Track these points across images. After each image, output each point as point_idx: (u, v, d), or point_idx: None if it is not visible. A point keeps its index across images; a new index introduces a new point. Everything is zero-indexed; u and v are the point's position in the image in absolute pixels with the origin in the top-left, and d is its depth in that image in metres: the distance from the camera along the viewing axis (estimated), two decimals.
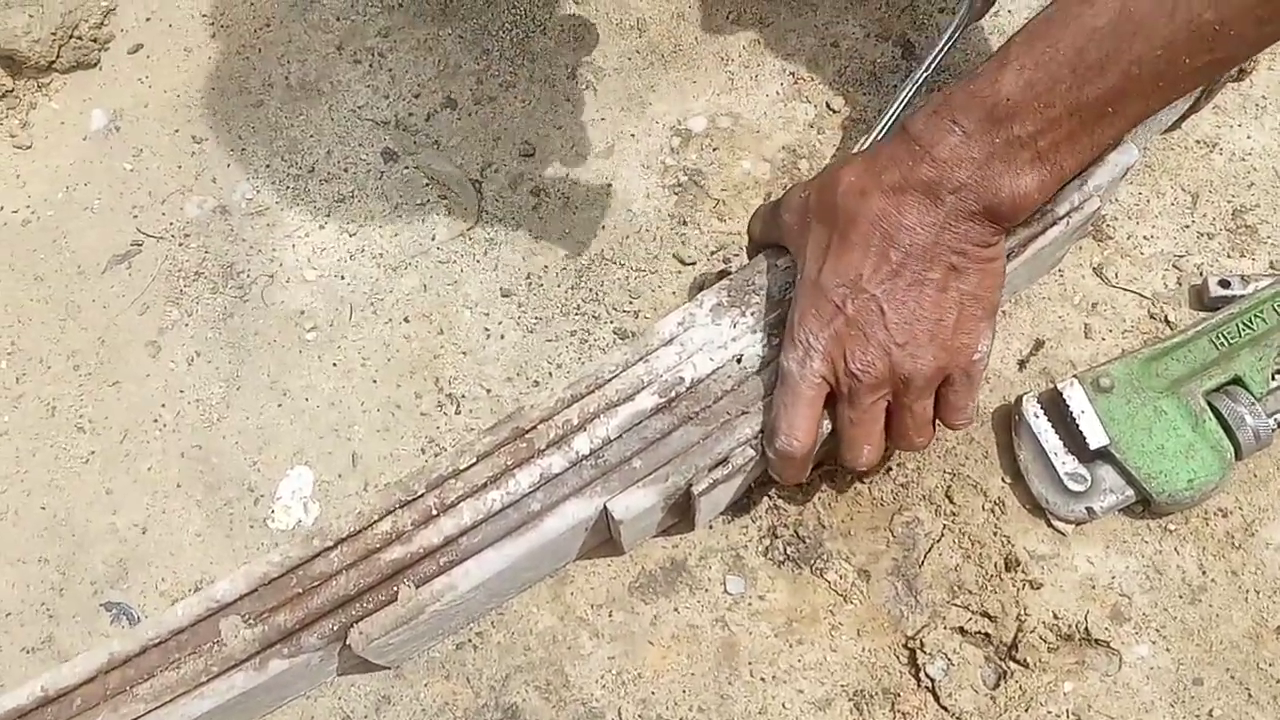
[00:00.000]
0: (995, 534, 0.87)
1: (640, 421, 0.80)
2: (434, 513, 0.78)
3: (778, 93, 1.04)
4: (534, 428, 0.80)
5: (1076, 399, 0.85)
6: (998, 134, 0.70)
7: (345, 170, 1.03)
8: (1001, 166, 0.71)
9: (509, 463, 0.79)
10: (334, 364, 0.96)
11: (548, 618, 0.86)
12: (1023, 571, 0.85)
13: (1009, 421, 0.89)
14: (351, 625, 0.76)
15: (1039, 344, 0.93)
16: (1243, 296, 0.89)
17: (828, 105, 1.03)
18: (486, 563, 0.77)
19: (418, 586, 0.76)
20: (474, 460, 0.79)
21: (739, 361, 0.81)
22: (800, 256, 0.79)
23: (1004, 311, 0.94)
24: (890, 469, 0.89)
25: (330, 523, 0.78)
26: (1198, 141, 0.99)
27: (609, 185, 1.01)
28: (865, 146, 0.87)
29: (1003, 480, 0.88)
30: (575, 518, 0.78)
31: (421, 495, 0.79)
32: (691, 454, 0.79)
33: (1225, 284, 0.90)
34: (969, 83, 0.72)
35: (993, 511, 0.87)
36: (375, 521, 0.78)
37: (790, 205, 0.81)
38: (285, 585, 0.77)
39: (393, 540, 0.78)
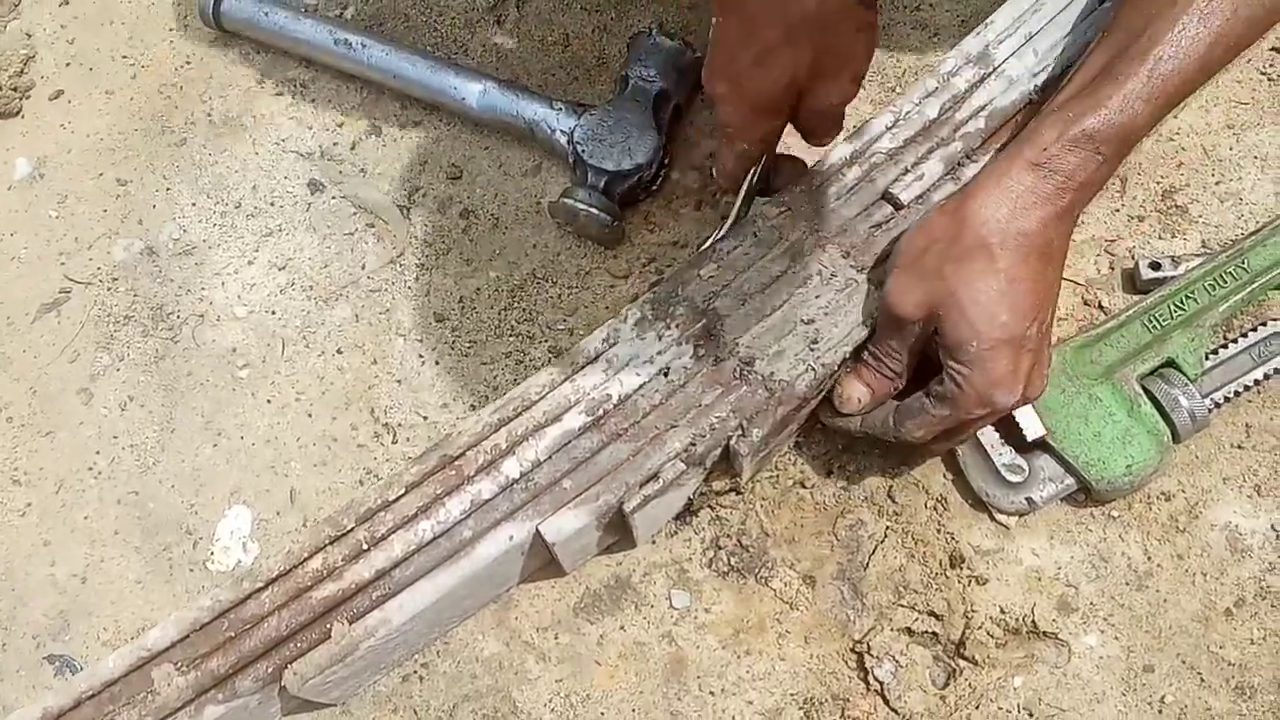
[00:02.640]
0: (939, 531, 0.86)
1: (569, 441, 0.79)
2: (364, 547, 0.77)
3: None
4: (462, 454, 0.79)
5: None
6: (1126, 155, 0.76)
7: (272, 204, 1.02)
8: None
9: (438, 491, 0.78)
10: (268, 400, 0.95)
11: (493, 644, 0.85)
12: (968, 568, 0.84)
13: None
14: (286, 666, 0.75)
15: None
16: (1174, 277, 0.88)
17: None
18: (420, 594, 0.76)
19: (351, 623, 0.75)
20: (403, 491, 0.79)
21: (666, 375, 0.81)
22: (953, 311, 0.75)
23: None
24: (831, 472, 0.88)
25: (260, 563, 0.78)
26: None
27: (538, 203, 1.00)
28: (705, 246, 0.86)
29: (944, 477, 0.88)
30: (508, 543, 0.77)
31: (351, 530, 0.78)
32: (621, 471, 0.78)
33: (1156, 266, 0.90)
34: (1099, 109, 0.73)
35: (935, 509, 0.87)
36: (305, 559, 0.77)
37: (912, 265, 0.77)
38: (217, 630, 0.76)
39: (324, 577, 0.77)
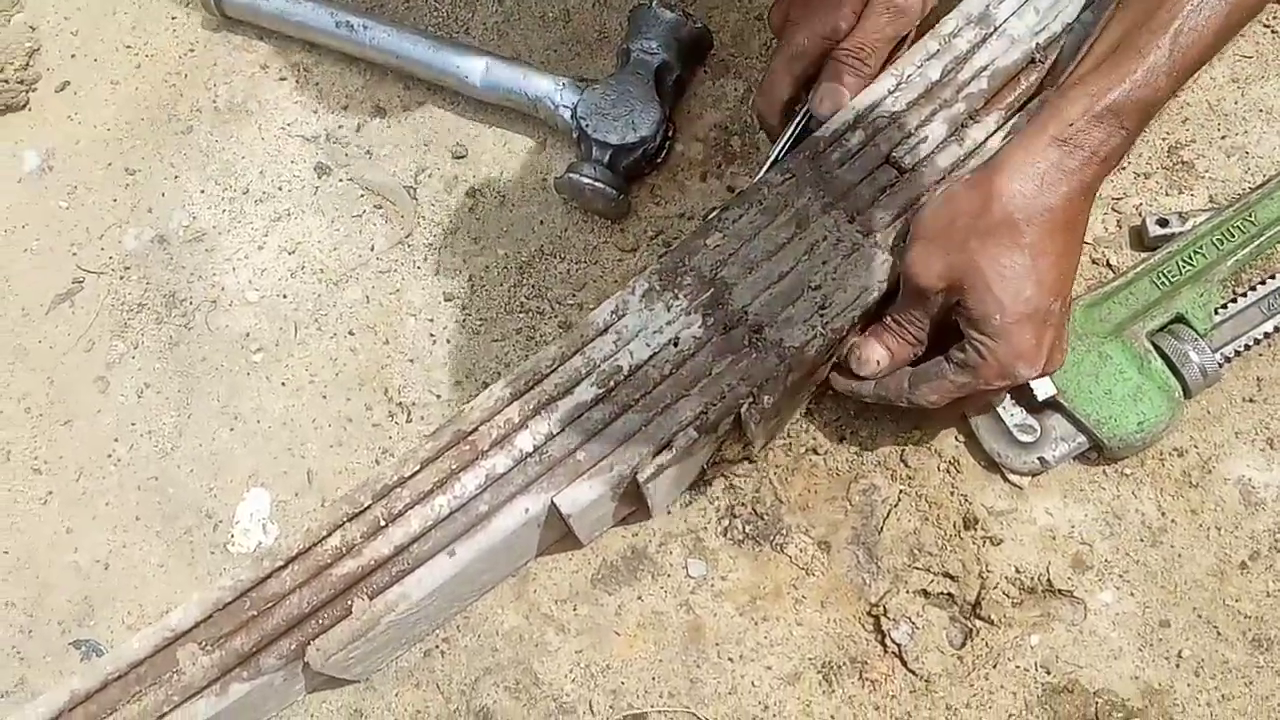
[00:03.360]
0: (952, 494, 0.86)
1: (581, 414, 0.80)
2: (382, 523, 0.78)
3: (706, 71, 1.03)
4: (476, 429, 0.80)
5: None
6: (1146, 126, 0.76)
7: (280, 189, 1.03)
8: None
9: (454, 466, 0.79)
10: (283, 383, 0.95)
11: (513, 617, 0.86)
12: (982, 529, 0.85)
13: None
14: (308, 643, 0.76)
15: None
16: (1181, 234, 0.88)
17: (757, 80, 1.02)
18: (438, 569, 0.77)
19: (371, 599, 0.76)
20: (418, 467, 0.79)
21: (675, 345, 0.81)
22: (978, 284, 0.75)
23: None
24: (843, 438, 0.89)
25: (280, 543, 0.78)
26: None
27: (544, 180, 1.00)
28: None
29: (956, 439, 0.88)
30: (524, 515, 0.78)
31: (369, 507, 0.79)
32: (634, 442, 0.79)
33: (1163, 223, 0.90)
34: (1122, 83, 0.73)
35: (948, 472, 0.87)
36: (324, 537, 0.78)
37: (936, 237, 0.78)
38: (239, 609, 0.77)
39: (343, 554, 0.78)
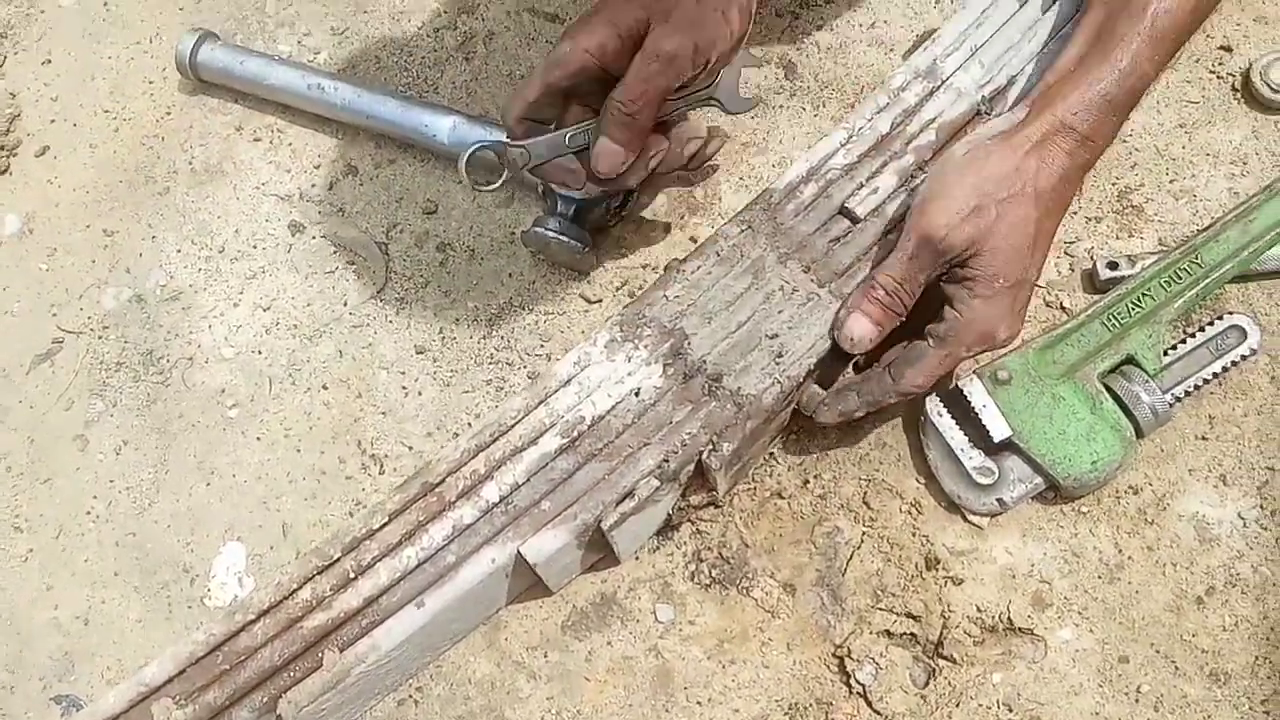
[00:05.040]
0: (914, 535, 0.88)
1: (546, 464, 0.82)
2: (351, 576, 0.80)
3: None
4: (443, 480, 0.82)
5: (977, 394, 0.86)
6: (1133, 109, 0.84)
7: (254, 247, 1.05)
8: None
9: (421, 518, 0.81)
10: (258, 438, 0.97)
11: (485, 665, 0.87)
12: (943, 569, 0.86)
13: (918, 423, 0.90)
14: (280, 696, 0.77)
15: None
16: (1131, 276, 0.90)
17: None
18: (407, 620, 0.78)
19: (342, 651, 0.78)
20: (386, 519, 0.81)
21: (637, 394, 0.83)
22: (996, 247, 0.80)
23: None
24: (807, 482, 0.90)
25: (252, 596, 0.80)
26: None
27: (512, 234, 1.03)
28: None
29: (917, 481, 0.90)
30: (490, 565, 0.79)
31: (338, 559, 0.80)
32: (598, 490, 0.81)
33: (1113, 265, 0.92)
34: (1115, 73, 0.80)
35: (910, 513, 0.89)
36: (295, 590, 0.80)
37: (965, 197, 0.80)
38: (212, 663, 0.78)
39: (314, 607, 0.79)
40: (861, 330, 0.83)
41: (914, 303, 0.83)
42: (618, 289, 0.99)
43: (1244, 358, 0.88)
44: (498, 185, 0.87)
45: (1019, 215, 0.80)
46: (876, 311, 0.83)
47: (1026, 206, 0.80)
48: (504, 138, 0.98)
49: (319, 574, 0.80)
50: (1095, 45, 0.81)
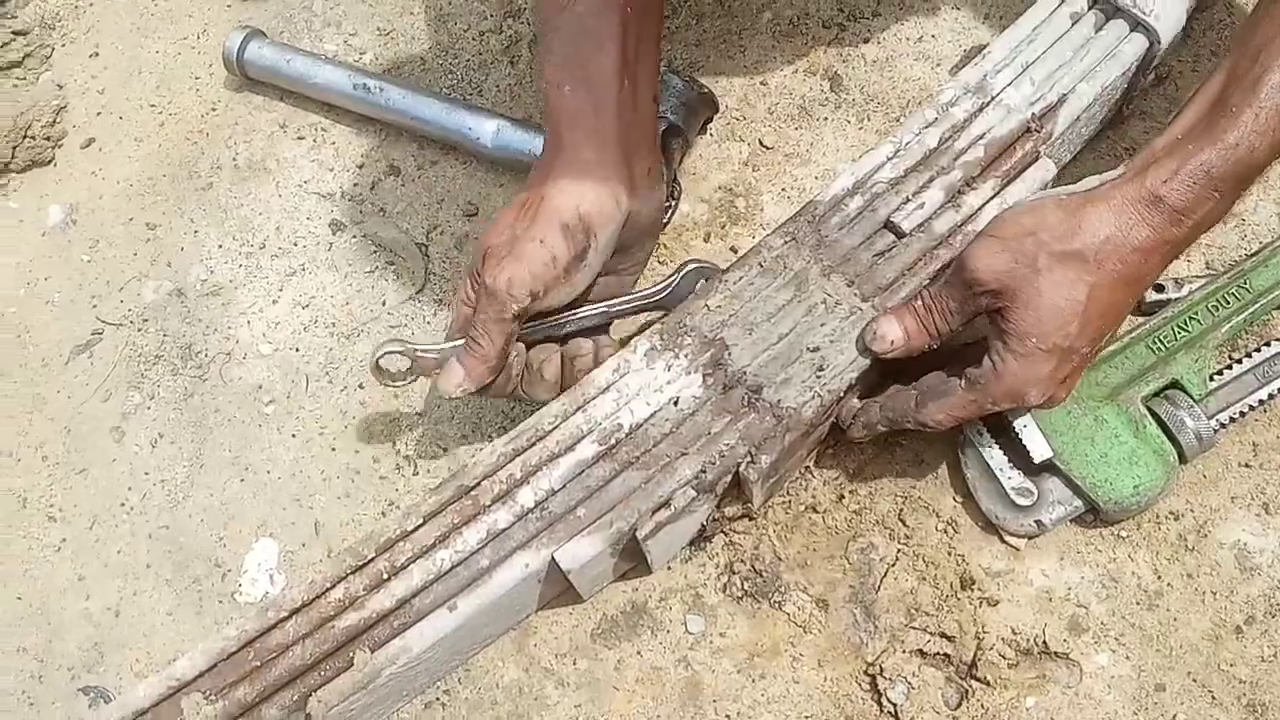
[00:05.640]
0: (950, 554, 0.87)
1: (582, 471, 0.82)
2: (385, 576, 0.80)
3: (711, 134, 1.05)
4: (478, 484, 0.82)
5: (1018, 413, 0.85)
6: (1245, 190, 0.75)
7: (295, 244, 1.05)
8: None
9: (456, 521, 0.81)
10: (293, 435, 0.97)
11: (513, 670, 0.87)
12: (979, 589, 0.85)
13: (956, 441, 0.90)
14: (310, 694, 0.77)
15: None
16: (1177, 299, 0.89)
17: (760, 143, 1.04)
18: (439, 622, 0.78)
19: (373, 651, 0.77)
20: (421, 521, 0.81)
21: (675, 404, 0.83)
22: (1031, 301, 0.75)
23: None
24: (843, 496, 0.90)
25: (284, 594, 0.80)
26: (1126, 149, 1.00)
27: None
28: None
29: (954, 500, 0.89)
30: (524, 571, 0.79)
31: (372, 560, 0.80)
32: (634, 499, 0.80)
33: (1159, 288, 0.91)
34: (1219, 146, 0.71)
35: (946, 531, 0.88)
36: (328, 589, 0.80)
37: (1010, 239, 0.76)
38: (243, 659, 0.78)
39: (346, 607, 0.79)
40: (887, 331, 0.81)
41: (949, 330, 0.80)
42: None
43: None
44: (399, 386, 0.87)
45: (1066, 276, 0.74)
46: (910, 322, 0.81)
47: (1078, 269, 0.74)
48: None
49: (352, 573, 0.80)
50: (1206, 115, 0.73)
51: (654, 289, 0.90)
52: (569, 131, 0.82)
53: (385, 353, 0.85)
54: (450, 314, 0.87)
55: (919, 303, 0.81)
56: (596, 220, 0.82)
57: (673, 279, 0.90)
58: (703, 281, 0.89)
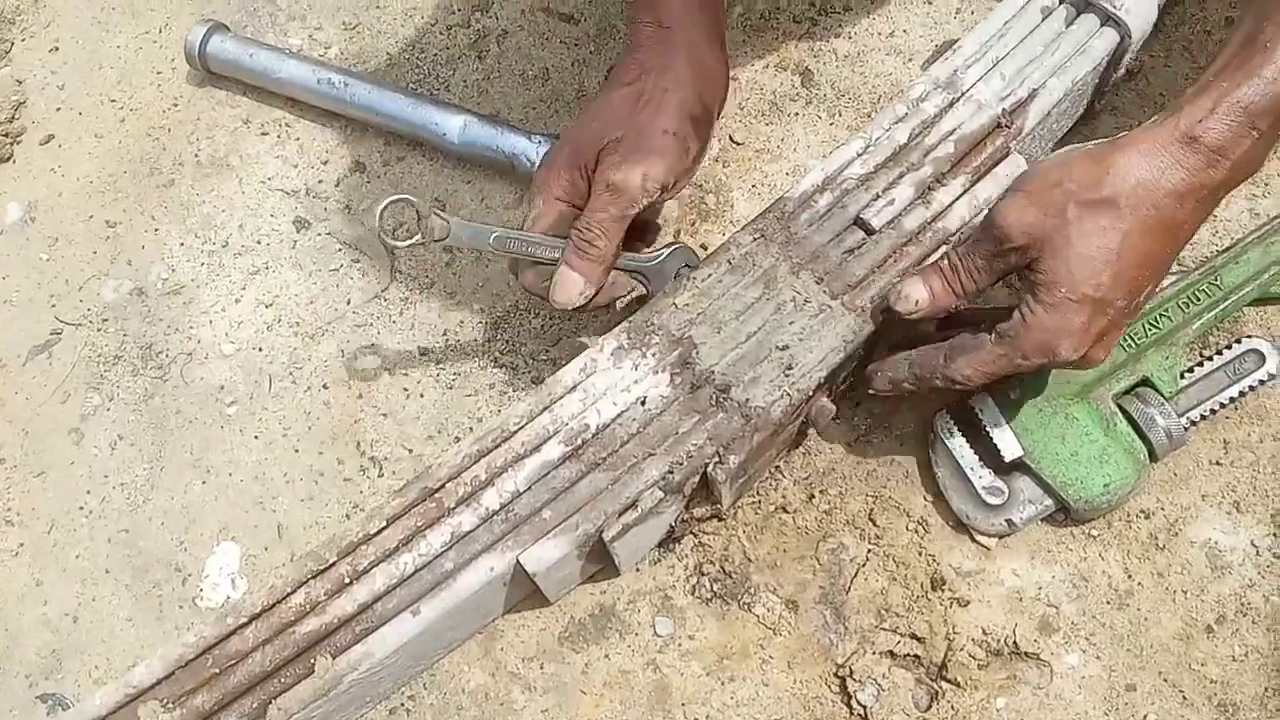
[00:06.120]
0: (920, 554, 0.86)
1: (548, 472, 0.80)
2: (347, 581, 0.78)
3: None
4: (442, 486, 0.80)
5: (988, 412, 0.85)
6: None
7: (259, 242, 1.03)
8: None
9: (419, 524, 0.79)
10: (256, 436, 0.96)
11: (479, 675, 0.86)
12: (949, 589, 0.85)
13: (927, 440, 0.89)
14: (270, 702, 0.75)
15: None
16: None
17: (731, 138, 1.03)
18: (402, 627, 0.77)
19: (334, 657, 0.76)
20: (384, 524, 0.79)
21: (643, 404, 0.81)
22: (1060, 251, 0.73)
23: None
24: (813, 496, 0.89)
25: (244, 599, 0.78)
26: (1098, 143, 0.99)
27: None
28: None
29: (925, 499, 0.88)
30: (489, 574, 0.78)
31: (334, 564, 0.79)
32: (600, 500, 0.79)
33: None
34: (1255, 81, 0.69)
35: (916, 531, 0.87)
36: (288, 594, 0.78)
37: (1038, 193, 0.74)
38: (202, 666, 0.77)
39: (307, 612, 0.77)
40: (912, 291, 0.78)
41: (975, 290, 0.78)
42: (627, 294, 0.98)
43: (1261, 382, 0.86)
44: (407, 245, 0.81)
45: (1098, 224, 0.71)
46: (936, 282, 0.78)
47: (1111, 216, 0.71)
48: (514, 140, 0.97)
49: (314, 578, 0.78)
50: (1239, 53, 0.70)
51: (645, 256, 0.89)
52: (684, 22, 0.84)
53: (396, 200, 0.78)
54: (527, 212, 0.84)
55: (945, 262, 0.78)
56: (715, 110, 0.85)
57: (661, 252, 0.89)
58: (685, 267, 0.88)
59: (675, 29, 0.84)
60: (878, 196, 0.86)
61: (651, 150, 0.81)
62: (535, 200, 0.84)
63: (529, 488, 0.80)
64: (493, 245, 0.82)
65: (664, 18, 0.84)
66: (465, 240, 0.81)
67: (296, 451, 0.95)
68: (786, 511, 0.89)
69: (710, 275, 0.85)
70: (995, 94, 0.88)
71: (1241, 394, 0.86)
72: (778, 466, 0.90)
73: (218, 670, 0.77)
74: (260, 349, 0.99)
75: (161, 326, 1.01)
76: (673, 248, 0.89)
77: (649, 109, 0.82)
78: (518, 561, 0.78)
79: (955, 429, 0.86)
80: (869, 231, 0.85)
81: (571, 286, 0.82)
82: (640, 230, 0.90)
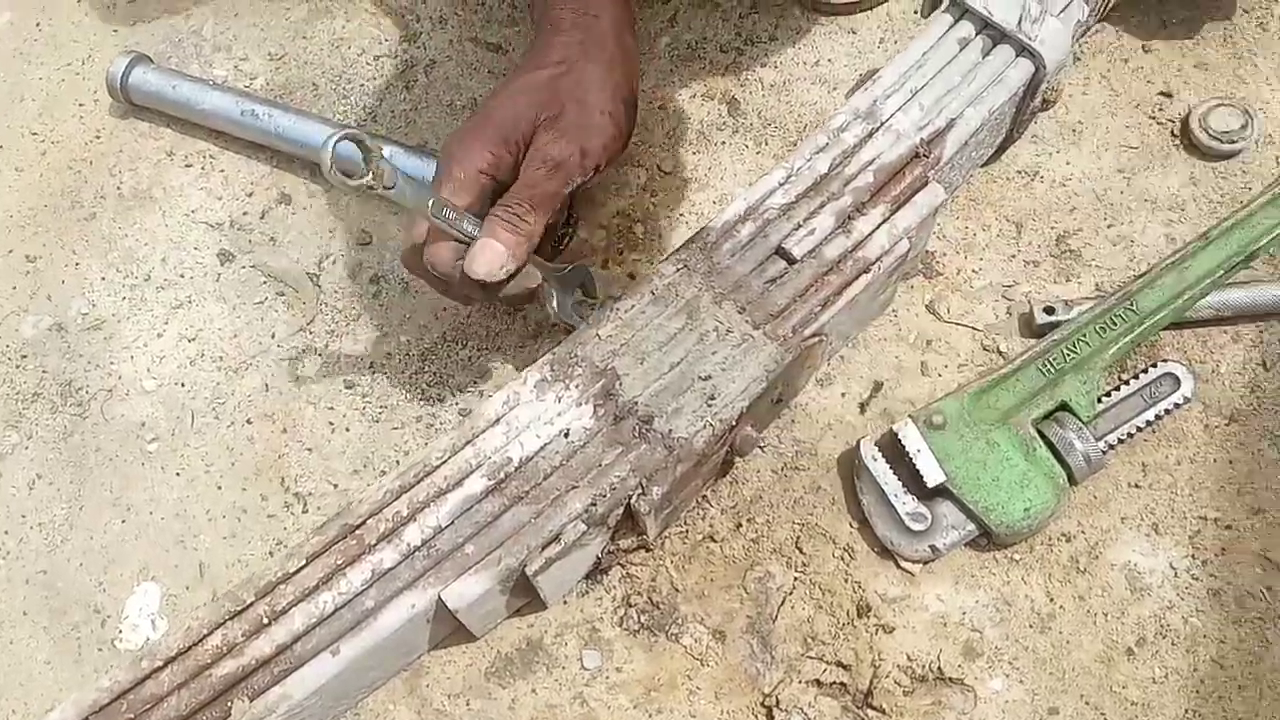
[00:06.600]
0: (846, 581, 0.87)
1: (471, 506, 0.80)
2: (265, 621, 0.77)
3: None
4: (363, 523, 0.79)
5: (911, 438, 0.85)
6: None
7: (182, 275, 1.02)
8: None
9: (339, 561, 0.78)
10: (177, 473, 0.94)
11: (405, 713, 0.85)
12: (875, 616, 0.85)
13: (853, 467, 0.89)
14: None
15: (878, 386, 0.93)
16: (1067, 321, 0.90)
17: (659, 168, 1.04)
18: (322, 668, 0.76)
19: (251, 700, 0.75)
20: (303, 562, 0.78)
21: (566, 436, 0.81)
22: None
23: (841, 356, 0.94)
24: (740, 525, 0.89)
25: (160, 642, 0.77)
26: (1019, 171, 1.01)
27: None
28: None
29: (851, 526, 0.88)
30: (410, 612, 0.77)
31: (251, 604, 0.78)
32: (523, 534, 0.78)
33: (1050, 310, 0.92)
34: None
35: (843, 558, 0.87)
36: (205, 636, 0.77)
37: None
38: (116, 711, 0.75)
39: (224, 654, 0.76)
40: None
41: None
42: (554, 325, 0.98)
43: (1177, 405, 0.87)
44: (354, 185, 0.74)
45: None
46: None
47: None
48: (437, 170, 0.97)
49: (231, 619, 0.77)
50: None
51: (552, 265, 0.90)
52: (608, 9, 0.88)
53: (343, 136, 0.71)
54: (437, 186, 0.83)
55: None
56: (637, 97, 0.90)
57: (570, 264, 0.91)
58: (584, 297, 0.91)
59: (601, 16, 0.88)
60: (799, 226, 0.86)
61: (590, 129, 0.84)
62: (453, 172, 0.82)
63: (451, 522, 0.79)
64: (431, 210, 0.79)
65: (590, 6, 0.88)
66: (408, 197, 0.77)
67: (219, 488, 0.94)
68: (714, 541, 0.89)
69: (634, 306, 0.85)
70: (914, 124, 0.89)
71: (1158, 417, 0.87)
72: (705, 496, 0.90)
73: (132, 716, 0.75)
74: (182, 384, 0.98)
75: (81, 363, 0.99)
76: (574, 265, 0.90)
77: (582, 89, 0.85)
78: (440, 598, 0.77)
79: (879, 456, 0.87)
80: (790, 261, 0.85)
81: (495, 259, 0.80)
82: (547, 231, 0.89)
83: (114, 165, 1.08)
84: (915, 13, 1.07)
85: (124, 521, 0.93)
